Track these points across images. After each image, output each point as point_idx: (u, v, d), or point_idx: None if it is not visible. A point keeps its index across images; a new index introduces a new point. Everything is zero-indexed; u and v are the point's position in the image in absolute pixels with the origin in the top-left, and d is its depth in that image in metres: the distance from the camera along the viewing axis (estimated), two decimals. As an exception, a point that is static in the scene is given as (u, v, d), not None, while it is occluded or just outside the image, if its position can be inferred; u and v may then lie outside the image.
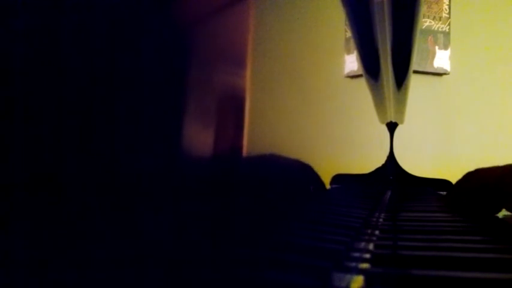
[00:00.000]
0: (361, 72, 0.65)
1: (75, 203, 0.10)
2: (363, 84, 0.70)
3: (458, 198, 0.56)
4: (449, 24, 2.13)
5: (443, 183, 1.25)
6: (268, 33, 0.24)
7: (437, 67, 2.11)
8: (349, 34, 0.54)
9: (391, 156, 1.29)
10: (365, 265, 0.29)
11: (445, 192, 1.14)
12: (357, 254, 0.32)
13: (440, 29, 2.12)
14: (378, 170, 1.02)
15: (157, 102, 0.13)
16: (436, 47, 2.11)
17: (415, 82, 1.22)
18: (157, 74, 0.13)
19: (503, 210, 0.54)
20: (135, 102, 0.12)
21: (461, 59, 2.14)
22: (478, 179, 0.54)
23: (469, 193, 0.54)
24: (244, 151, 0.20)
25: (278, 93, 0.26)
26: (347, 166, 0.57)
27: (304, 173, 0.32)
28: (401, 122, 1.36)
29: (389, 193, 1.04)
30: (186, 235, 0.14)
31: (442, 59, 2.12)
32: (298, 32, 0.31)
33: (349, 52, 0.56)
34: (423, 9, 2.07)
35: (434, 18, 2.12)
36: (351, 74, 0.60)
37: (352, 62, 0.59)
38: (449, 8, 2.14)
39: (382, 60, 0.75)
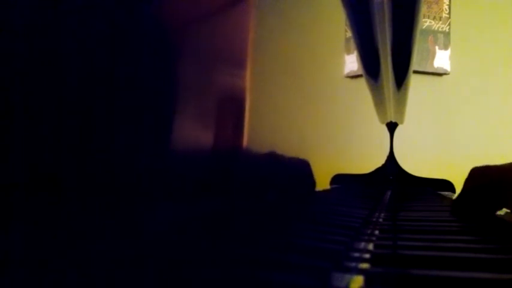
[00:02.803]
0: (361, 72, 0.65)
1: (75, 203, 0.10)
2: (363, 84, 0.70)
3: (466, 198, 0.56)
4: (449, 24, 2.13)
5: (443, 183, 1.25)
6: (268, 33, 0.24)
7: (438, 67, 2.11)
8: (349, 34, 0.54)
9: (391, 156, 1.29)
10: (365, 265, 0.29)
11: (445, 193, 1.14)
12: (356, 254, 0.32)
13: (440, 29, 2.12)
14: (378, 170, 1.02)
15: (157, 102, 0.13)
16: (436, 47, 2.11)
17: (415, 82, 1.22)
18: (156, 74, 0.13)
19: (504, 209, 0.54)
20: (135, 102, 0.12)
21: (461, 59, 2.14)
22: (481, 176, 0.54)
23: (474, 191, 0.54)
24: (244, 151, 0.20)
25: (278, 93, 0.26)
26: (347, 166, 0.57)
27: (304, 170, 0.33)
28: (401, 122, 1.36)
29: (389, 193, 1.04)
30: (186, 235, 0.14)
31: (442, 59, 2.12)
32: (298, 32, 0.31)
33: (349, 52, 0.56)
34: (423, 9, 2.07)
35: (434, 18, 2.12)
36: (351, 74, 0.60)
37: (352, 62, 0.59)
38: (450, 8, 2.14)
39: (382, 60, 0.75)
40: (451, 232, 0.44)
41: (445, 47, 2.12)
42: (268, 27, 0.24)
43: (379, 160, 1.13)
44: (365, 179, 0.80)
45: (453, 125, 2.15)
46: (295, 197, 0.30)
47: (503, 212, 0.54)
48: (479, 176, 0.54)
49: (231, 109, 0.19)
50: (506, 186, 0.50)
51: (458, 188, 1.17)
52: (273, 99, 0.25)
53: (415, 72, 1.61)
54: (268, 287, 0.20)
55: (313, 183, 0.36)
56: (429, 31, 2.10)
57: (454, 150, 2.08)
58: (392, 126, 1.31)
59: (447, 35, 2.12)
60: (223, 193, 0.18)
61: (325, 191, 0.40)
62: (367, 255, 0.31)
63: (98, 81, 0.10)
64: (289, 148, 0.28)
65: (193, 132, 0.15)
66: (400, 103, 1.23)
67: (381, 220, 0.53)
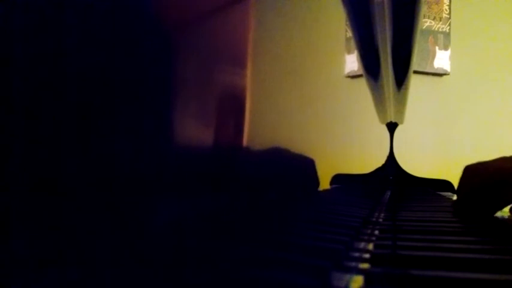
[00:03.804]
0: (361, 72, 0.65)
1: (75, 203, 0.10)
2: (363, 84, 0.70)
3: (464, 198, 0.56)
4: (449, 25, 2.13)
5: (443, 184, 1.25)
6: (268, 33, 0.24)
7: (438, 67, 2.11)
8: (349, 34, 0.54)
9: (391, 156, 1.29)
10: (364, 265, 0.29)
11: (445, 193, 1.14)
12: (356, 254, 0.32)
13: (440, 30, 2.12)
14: (377, 170, 1.02)
15: (157, 101, 0.13)
16: (436, 48, 2.12)
17: (415, 82, 1.22)
18: (157, 73, 0.13)
19: (503, 210, 0.54)
20: (136, 101, 0.12)
21: (461, 59, 2.14)
22: (474, 176, 0.54)
23: (469, 191, 0.54)
24: (244, 150, 0.20)
25: (278, 93, 0.26)
26: (347, 166, 0.57)
27: (307, 169, 0.33)
28: (401, 122, 1.37)
29: (389, 193, 1.04)
30: (186, 233, 0.14)
31: (442, 59, 2.12)
32: (298, 32, 0.31)
33: (349, 52, 0.56)
34: (423, 9, 2.07)
35: (434, 19, 2.12)
36: (351, 74, 0.60)
37: (352, 62, 0.59)
38: (450, 9, 2.14)
39: (382, 60, 0.75)
40: (451, 232, 0.44)
41: (445, 47, 2.12)
42: (269, 26, 0.24)
43: (379, 160, 1.13)
44: (365, 179, 0.80)
45: (453, 125, 2.15)
46: (296, 197, 0.30)
47: (500, 214, 0.54)
48: (472, 175, 0.54)
49: (231, 108, 0.19)
50: (499, 185, 0.50)
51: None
52: (273, 98, 0.25)
53: (415, 72, 1.61)
54: (268, 286, 0.20)
55: (316, 182, 0.36)
56: (429, 31, 2.11)
57: (454, 150, 2.08)
58: (392, 126, 1.31)
59: (447, 35, 2.13)
60: (224, 192, 0.18)
61: (325, 191, 0.40)
62: (367, 255, 0.32)
63: (98, 81, 0.10)
64: (289, 148, 0.28)
65: (194, 131, 0.15)
66: (400, 103, 1.24)
67: (380, 220, 0.53)
